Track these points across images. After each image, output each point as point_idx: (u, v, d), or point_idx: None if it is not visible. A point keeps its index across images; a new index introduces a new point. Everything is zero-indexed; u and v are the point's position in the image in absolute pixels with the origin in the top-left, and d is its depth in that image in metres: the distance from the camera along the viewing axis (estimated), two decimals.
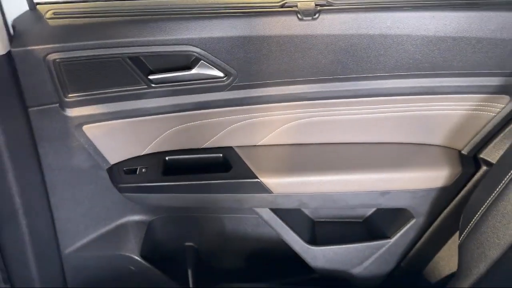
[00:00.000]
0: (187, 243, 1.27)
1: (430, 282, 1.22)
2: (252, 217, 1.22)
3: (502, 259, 0.84)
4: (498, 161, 0.90)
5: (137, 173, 1.04)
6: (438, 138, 1.06)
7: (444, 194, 1.06)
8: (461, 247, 0.94)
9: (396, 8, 0.86)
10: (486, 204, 0.88)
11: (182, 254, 1.27)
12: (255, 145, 1.08)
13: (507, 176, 0.83)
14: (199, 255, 1.28)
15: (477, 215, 0.90)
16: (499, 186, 0.85)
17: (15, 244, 1.07)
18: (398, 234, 1.13)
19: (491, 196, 0.87)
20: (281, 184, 1.02)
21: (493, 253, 0.85)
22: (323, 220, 1.23)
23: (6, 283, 1.14)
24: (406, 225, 1.12)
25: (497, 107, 0.98)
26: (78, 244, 1.17)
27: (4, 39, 0.82)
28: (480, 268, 0.89)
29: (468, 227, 0.92)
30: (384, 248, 1.15)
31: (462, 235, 0.94)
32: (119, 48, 0.87)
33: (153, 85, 0.93)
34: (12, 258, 1.09)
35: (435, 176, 1.03)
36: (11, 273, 1.12)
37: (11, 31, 0.85)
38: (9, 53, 0.83)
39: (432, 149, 1.07)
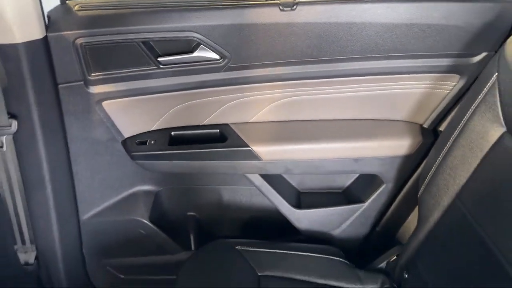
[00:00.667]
0: (189, 213, 1.43)
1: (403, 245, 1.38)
2: (246, 188, 1.38)
3: (451, 206, 1.00)
4: (445, 127, 1.07)
5: (147, 144, 1.21)
6: (402, 114, 1.23)
7: (408, 162, 1.22)
8: (420, 200, 1.10)
9: (359, 0, 1.04)
10: (437, 161, 1.05)
11: (184, 222, 1.43)
12: (247, 122, 1.25)
13: (452, 137, 1.01)
14: (199, 223, 1.43)
15: (431, 171, 1.07)
16: (446, 146, 1.02)
17: (41, 208, 1.23)
18: (371, 199, 1.29)
19: (441, 155, 1.04)
20: (269, 152, 1.19)
21: (445, 201, 1.01)
22: (307, 191, 1.39)
23: (32, 243, 1.30)
24: (378, 190, 1.28)
25: (450, 85, 1.15)
26: (95, 211, 1.33)
27: (42, 26, 1.00)
28: (434, 216, 1.05)
29: (425, 182, 1.08)
30: (359, 211, 1.31)
31: (420, 190, 1.10)
32: (134, 34, 1.04)
33: (161, 66, 1.10)
34: (38, 220, 1.25)
35: (399, 145, 1.20)
36: (36, 234, 1.28)
37: (46, 20, 1.03)
38: (45, 38, 1.01)
39: (397, 123, 1.23)
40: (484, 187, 0.93)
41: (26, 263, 1.31)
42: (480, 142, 0.95)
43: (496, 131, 0.91)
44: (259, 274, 1.10)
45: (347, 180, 1.38)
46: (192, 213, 1.42)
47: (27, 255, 1.30)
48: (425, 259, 1.05)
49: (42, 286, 1.41)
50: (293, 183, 1.38)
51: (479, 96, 0.96)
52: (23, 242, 1.27)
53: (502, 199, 0.86)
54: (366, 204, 1.30)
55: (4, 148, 1.07)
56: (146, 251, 1.39)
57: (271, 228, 1.40)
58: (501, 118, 0.91)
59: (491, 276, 0.82)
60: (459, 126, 1.00)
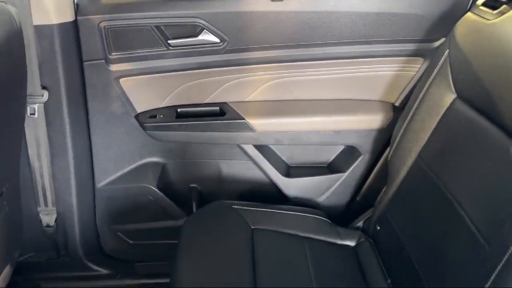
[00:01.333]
0: (191, 185, 1.59)
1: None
2: (242, 162, 1.54)
3: (414, 164, 1.17)
4: (409, 101, 1.24)
5: (157, 117, 1.39)
6: (376, 94, 1.40)
7: (382, 134, 1.40)
8: (389, 162, 1.28)
9: None
10: (402, 128, 1.23)
11: (187, 192, 1.59)
12: (243, 101, 1.43)
13: (413, 107, 1.19)
14: (201, 193, 1.59)
15: (397, 137, 1.24)
16: (409, 114, 1.20)
17: (63, 173, 1.40)
18: (350, 169, 1.46)
19: (405, 123, 1.22)
20: (262, 124, 1.37)
21: (409, 160, 1.19)
22: (295, 165, 1.56)
23: (53, 206, 1.45)
24: (356, 161, 1.45)
25: (416, 67, 1.33)
26: (109, 179, 1.49)
27: (72, 11, 1.19)
28: (401, 174, 1.22)
29: (393, 147, 1.26)
30: (340, 180, 1.48)
31: (390, 154, 1.28)
32: (148, 19, 1.23)
33: (170, 47, 1.29)
34: (59, 184, 1.41)
35: (373, 120, 1.38)
36: (57, 198, 1.44)
37: (75, 6, 1.22)
38: (75, 21, 1.20)
39: (372, 102, 1.41)
40: (440, 145, 1.10)
41: (47, 225, 1.47)
42: (436, 108, 1.13)
43: (449, 97, 1.10)
44: (252, 227, 1.26)
45: (331, 155, 1.54)
46: (194, 185, 1.58)
47: (48, 217, 1.46)
48: (394, 212, 1.22)
49: (58, 251, 1.56)
50: (283, 158, 1.55)
51: (435, 70, 1.14)
52: (46, 204, 1.42)
53: (454, 153, 1.04)
54: (346, 173, 1.47)
55: (36, 115, 1.25)
56: (153, 216, 1.55)
57: (264, 197, 1.56)
58: (452, 86, 1.09)
59: (447, 219, 0.98)
60: (419, 97, 1.18)
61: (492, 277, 0.79)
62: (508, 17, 0.98)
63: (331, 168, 1.53)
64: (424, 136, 1.15)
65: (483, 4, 1.08)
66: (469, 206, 0.92)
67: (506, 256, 0.77)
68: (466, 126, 1.02)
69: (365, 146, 1.42)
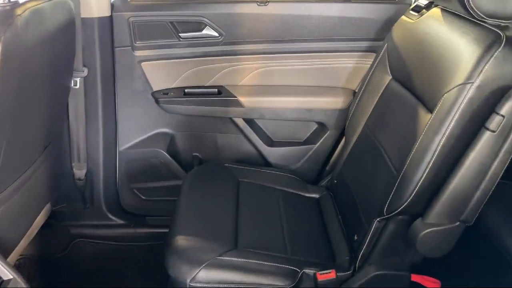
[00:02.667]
0: (193, 153, 1.92)
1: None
2: (234, 135, 1.85)
3: (362, 130, 1.48)
4: (359, 84, 1.57)
5: (168, 94, 1.73)
6: (340, 82, 1.73)
7: (345, 114, 1.72)
8: (345, 132, 1.60)
9: (305, 0, 1.58)
10: (354, 104, 1.56)
11: (190, 160, 1.91)
12: (236, 84, 1.77)
13: (362, 88, 1.52)
14: (201, 161, 1.92)
15: (351, 111, 1.57)
16: (360, 94, 1.53)
17: (94, 137, 1.74)
18: (320, 141, 1.78)
19: (356, 100, 1.55)
20: (250, 101, 1.71)
21: (359, 128, 1.50)
22: (277, 140, 1.88)
23: (84, 162, 1.79)
24: (324, 135, 1.78)
25: (370, 61, 1.66)
26: (129, 144, 1.83)
27: (109, 8, 1.55)
28: (353, 139, 1.53)
29: (348, 119, 1.58)
30: (312, 151, 1.80)
31: (346, 125, 1.60)
32: (164, 17, 1.59)
33: (181, 39, 1.64)
34: (91, 145, 1.75)
35: (338, 101, 1.71)
36: (88, 156, 1.78)
37: (111, 5, 1.59)
38: (111, 16, 1.56)
39: (337, 88, 1.74)
40: (379, 114, 1.43)
41: (79, 179, 1.81)
42: (378, 88, 1.46)
43: (386, 79, 1.43)
44: (239, 179, 1.59)
45: (306, 133, 1.86)
46: (196, 153, 1.90)
47: (79, 172, 1.80)
48: (346, 168, 1.54)
49: (85, 203, 1.88)
50: (268, 134, 1.87)
51: (377, 60, 1.48)
52: (79, 160, 1.77)
53: (386, 117, 1.36)
54: (316, 145, 1.79)
55: (77, 86, 1.60)
56: (162, 177, 1.88)
57: (251, 164, 1.88)
58: (389, 71, 1.43)
59: (376, 162, 1.29)
60: (366, 80, 1.52)
61: (392, 192, 1.11)
62: (424, 18, 1.32)
63: (306, 142, 1.85)
64: (369, 109, 1.48)
65: (412, 9, 1.42)
66: (389, 149, 1.25)
67: (401, 174, 1.10)
68: (396, 98, 1.35)
69: (331, 123, 1.75)
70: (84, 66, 1.59)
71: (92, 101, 1.67)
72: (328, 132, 1.77)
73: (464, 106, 0.96)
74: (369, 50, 1.65)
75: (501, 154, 0.95)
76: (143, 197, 1.93)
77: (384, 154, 1.27)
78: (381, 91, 1.44)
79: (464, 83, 0.97)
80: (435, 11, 1.29)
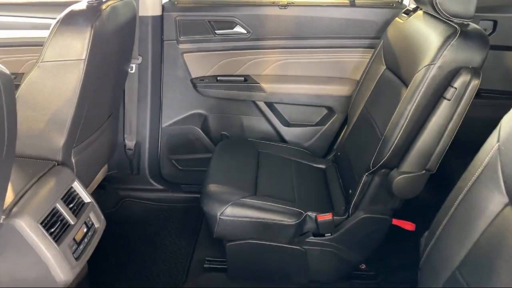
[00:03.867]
0: (222, 132, 2.26)
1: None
2: (256, 117, 2.18)
3: (361, 112, 1.79)
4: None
5: (204, 81, 2.08)
6: (346, 73, 2.04)
7: (350, 100, 2.03)
8: (348, 114, 1.91)
9: (318, 5, 1.91)
10: (356, 90, 1.86)
11: (220, 137, 2.25)
12: (260, 74, 2.10)
13: (362, 78, 1.82)
14: (228, 138, 2.26)
15: (353, 97, 1.87)
16: (360, 82, 1.83)
17: (143, 113, 2.10)
18: (328, 123, 2.09)
19: (357, 87, 1.85)
20: (270, 87, 2.03)
21: (358, 110, 1.81)
22: (293, 122, 2.20)
23: (134, 134, 2.15)
24: (332, 118, 2.09)
25: (370, 55, 1.97)
26: (170, 121, 2.18)
27: (160, 8, 1.92)
28: (353, 121, 1.84)
29: (350, 102, 1.89)
30: (321, 131, 2.11)
31: (349, 108, 1.91)
32: (203, 16, 1.94)
33: (216, 35, 1.99)
34: (140, 121, 2.11)
35: (344, 89, 2.01)
36: (137, 130, 2.14)
37: (162, 6, 1.95)
38: (162, 15, 1.93)
39: (343, 79, 2.06)
40: (374, 98, 1.72)
41: (129, 149, 2.17)
42: (374, 76, 1.76)
43: (381, 69, 1.72)
44: (259, 150, 1.91)
45: (317, 117, 2.17)
46: (224, 132, 2.24)
47: (130, 143, 2.16)
48: (347, 142, 1.83)
49: (132, 170, 2.24)
50: (286, 117, 2.19)
51: (375, 53, 1.79)
52: (130, 132, 2.13)
53: (379, 98, 1.66)
54: (325, 126, 2.10)
55: (133, 71, 1.97)
56: (196, 150, 2.22)
57: (270, 141, 2.20)
58: (384, 62, 1.73)
59: (369, 133, 1.56)
60: (365, 71, 1.82)
61: (376, 151, 1.42)
62: (411, 18, 1.62)
63: (316, 124, 2.16)
64: (367, 94, 1.78)
65: (403, 12, 1.72)
66: (379, 121, 1.55)
67: (383, 136, 1.40)
68: (388, 83, 1.65)
69: (338, 108, 2.06)
70: (139, 55, 1.96)
71: (143, 85, 2.03)
72: (336, 116, 2.08)
73: (429, 81, 1.27)
74: (370, 46, 1.95)
75: (455, 117, 1.24)
76: (180, 167, 2.27)
77: (375, 126, 1.57)
78: (377, 78, 1.74)
79: (429, 64, 1.27)
80: (419, 13, 1.59)
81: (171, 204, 2.22)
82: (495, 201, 0.81)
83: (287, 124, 2.16)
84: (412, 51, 1.44)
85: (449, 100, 1.24)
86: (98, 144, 1.71)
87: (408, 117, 1.31)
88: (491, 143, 0.85)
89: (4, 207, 1.10)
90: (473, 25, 1.32)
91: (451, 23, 1.32)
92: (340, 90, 2.03)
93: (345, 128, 1.99)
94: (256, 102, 2.11)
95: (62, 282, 1.16)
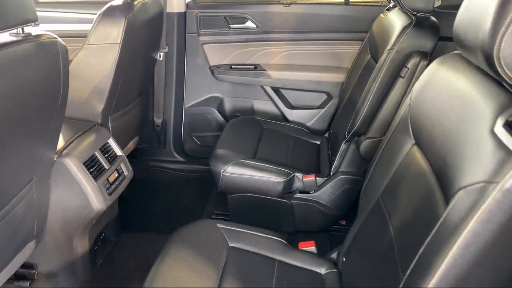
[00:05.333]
0: (236, 113, 2.58)
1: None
2: (263, 101, 2.49)
3: (350, 93, 2.08)
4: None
5: (220, 68, 2.42)
6: (340, 62, 2.32)
7: (343, 85, 2.31)
8: (340, 94, 2.19)
9: (317, 3, 2.20)
10: (347, 76, 2.15)
11: (233, 117, 2.58)
12: (268, 63, 2.42)
13: (351, 65, 2.11)
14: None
15: (345, 82, 2.16)
16: (350, 69, 2.12)
17: (169, 94, 2.45)
18: (326, 106, 2.38)
19: (348, 73, 2.14)
20: (276, 74, 2.35)
21: (348, 91, 2.10)
22: (296, 106, 2.50)
23: (161, 112, 2.52)
24: (330, 102, 2.38)
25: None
26: (192, 103, 2.53)
27: (184, 6, 2.27)
28: (345, 99, 2.13)
29: (343, 86, 2.18)
30: (320, 113, 2.40)
31: (341, 90, 2.19)
32: (220, 13, 2.28)
33: (230, 29, 2.33)
34: (167, 100, 2.47)
35: (339, 76, 2.30)
36: (164, 108, 2.50)
37: (186, 4, 2.30)
38: (185, 12, 2.28)
39: (338, 68, 2.34)
40: (359, 81, 2.00)
41: (157, 125, 2.54)
42: (361, 64, 2.03)
43: (367, 57, 2.00)
44: (264, 127, 2.22)
45: (318, 101, 2.46)
46: (237, 114, 2.57)
47: (158, 120, 2.52)
48: (336, 120, 2.12)
49: (159, 144, 2.60)
50: (290, 101, 2.49)
51: (362, 44, 2.07)
52: (158, 111, 2.49)
53: (361, 82, 1.94)
54: (324, 109, 2.39)
55: (161, 59, 2.33)
56: (213, 129, 2.56)
57: (276, 120, 2.50)
58: (369, 52, 2.00)
59: (352, 111, 1.87)
60: (354, 60, 2.10)
61: (350, 122, 1.70)
62: (389, 14, 1.89)
63: (316, 108, 2.46)
64: (354, 79, 2.05)
65: (386, 9, 1.99)
66: (357, 98, 1.83)
67: (355, 109, 1.69)
68: (369, 69, 1.91)
69: (335, 93, 2.34)
70: (166, 45, 2.32)
71: (169, 70, 2.39)
72: (333, 100, 2.37)
73: (388, 63, 1.54)
74: (360, 39, 2.22)
75: (407, 92, 1.51)
76: (199, 143, 2.62)
77: (355, 102, 1.85)
78: (363, 66, 2.01)
79: (390, 49, 1.55)
80: (395, 10, 1.86)
81: (190, 174, 2.56)
82: (407, 143, 1.05)
83: (291, 107, 2.46)
84: (384, 40, 1.72)
85: (403, 78, 1.51)
86: (130, 116, 2.07)
87: (373, 92, 1.59)
88: (407, 102, 1.09)
89: (57, 150, 1.47)
90: (431, 18, 1.59)
91: (412, 16, 1.59)
92: (336, 77, 2.31)
93: (337, 109, 2.28)
94: (264, 87, 2.43)
95: (97, 210, 1.52)
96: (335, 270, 1.30)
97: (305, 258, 1.34)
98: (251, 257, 1.31)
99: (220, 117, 2.53)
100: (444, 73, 0.98)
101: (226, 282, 1.18)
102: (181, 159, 2.61)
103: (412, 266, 0.80)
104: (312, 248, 1.39)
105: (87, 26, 1.73)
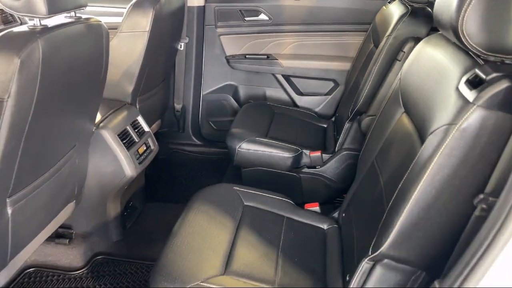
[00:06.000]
0: (249, 100, 2.78)
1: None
2: (276, 88, 2.68)
3: (355, 79, 2.26)
4: None
5: (236, 57, 2.61)
6: (345, 52, 2.49)
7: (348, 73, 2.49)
8: (346, 81, 2.37)
9: None
10: (351, 64, 2.33)
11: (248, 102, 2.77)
12: (280, 53, 2.61)
13: (356, 54, 2.29)
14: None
15: (351, 68, 2.34)
16: (354, 58, 2.30)
17: (188, 82, 2.66)
18: (333, 93, 2.57)
19: (353, 61, 2.32)
20: (286, 63, 2.53)
21: (353, 77, 2.28)
22: (305, 93, 2.68)
23: (181, 99, 2.73)
24: (336, 88, 2.56)
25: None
26: (209, 90, 2.73)
27: (204, 0, 2.47)
28: (349, 85, 2.31)
29: (348, 72, 2.36)
30: (327, 99, 2.58)
31: (346, 78, 2.37)
32: (235, 7, 2.48)
33: (245, 21, 2.52)
34: (186, 87, 2.68)
35: (345, 65, 2.48)
36: (184, 95, 2.70)
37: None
38: (204, 5, 2.48)
39: (345, 57, 2.51)
40: (362, 67, 2.18)
41: (177, 110, 2.74)
42: (364, 53, 2.21)
43: (370, 46, 2.18)
44: (275, 112, 2.41)
45: (326, 89, 2.64)
46: (251, 100, 2.76)
47: (178, 106, 2.73)
48: (341, 106, 2.30)
49: (179, 128, 2.81)
50: (299, 88, 2.68)
51: (366, 35, 2.24)
52: (178, 97, 2.70)
53: (364, 68, 2.12)
54: (331, 95, 2.57)
55: (182, 48, 2.53)
56: (228, 114, 2.76)
57: (286, 105, 2.68)
58: (372, 40, 2.18)
59: (355, 92, 2.05)
60: (360, 48, 2.28)
61: (353, 102, 1.89)
62: (390, 6, 2.06)
63: (324, 94, 2.64)
64: (358, 67, 2.23)
65: (388, 2, 2.17)
66: (360, 81, 2.01)
67: (357, 92, 1.87)
68: (372, 57, 2.10)
69: (340, 80, 2.52)
70: (187, 36, 2.52)
71: (189, 59, 2.59)
72: (339, 87, 2.55)
73: (387, 48, 1.72)
74: (364, 30, 2.40)
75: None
76: (215, 127, 2.82)
77: (358, 86, 2.03)
78: (366, 54, 2.19)
79: (388, 35, 1.73)
80: (396, 2, 2.03)
81: (207, 156, 2.77)
82: (397, 112, 1.23)
83: (300, 93, 2.65)
84: (384, 28, 1.90)
85: (399, 61, 1.69)
86: (154, 99, 2.28)
87: (373, 75, 1.77)
88: (398, 77, 1.27)
89: (95, 123, 1.68)
90: (427, 9, 1.76)
91: (409, 6, 1.77)
92: (342, 65, 2.49)
93: (343, 95, 2.46)
94: (276, 75, 2.62)
95: (129, 176, 1.73)
96: (335, 225, 1.49)
97: (310, 216, 1.53)
98: (263, 214, 1.50)
99: (235, 103, 2.73)
100: (427, 50, 1.16)
101: (242, 232, 1.37)
102: (198, 142, 2.81)
103: (392, 200, 0.98)
104: (317, 208, 1.58)
105: (113, 19, 1.94)
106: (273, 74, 2.62)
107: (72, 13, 1.26)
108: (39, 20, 1.11)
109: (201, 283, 1.12)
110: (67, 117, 1.36)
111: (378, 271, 1.04)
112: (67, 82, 1.25)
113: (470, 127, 0.82)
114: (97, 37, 1.34)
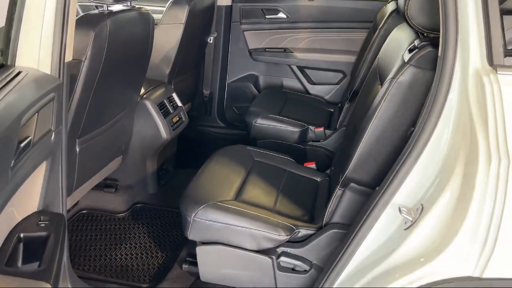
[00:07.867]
0: (262, 91, 3.14)
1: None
2: (291, 79, 3.04)
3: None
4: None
5: (257, 50, 3.00)
6: (352, 46, 2.83)
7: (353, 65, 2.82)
8: (351, 72, 2.72)
9: None
10: (355, 57, 2.67)
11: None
12: (296, 47, 2.97)
13: (368, 45, 2.63)
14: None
15: (355, 60, 2.68)
16: (358, 52, 2.65)
17: (216, 71, 3.06)
18: (341, 83, 2.91)
19: (357, 54, 2.66)
20: (301, 55, 2.90)
21: (361, 71, 2.62)
22: (317, 82, 3.03)
23: (208, 86, 3.13)
24: (344, 79, 2.90)
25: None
26: (233, 79, 3.11)
27: (231, 0, 2.88)
28: (359, 76, 2.65)
29: (353, 65, 2.70)
30: (335, 89, 2.92)
31: (352, 68, 2.72)
32: (258, 6, 2.87)
33: (266, 19, 2.90)
34: (213, 77, 3.08)
35: (351, 58, 2.82)
36: (211, 84, 3.11)
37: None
38: (231, 5, 2.89)
39: (350, 51, 2.85)
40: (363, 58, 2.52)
41: (205, 96, 3.14)
42: (367, 46, 2.55)
43: (371, 39, 2.52)
44: (288, 97, 2.77)
45: (335, 79, 2.99)
46: (264, 91, 3.13)
47: (206, 92, 3.12)
48: (346, 93, 2.64)
49: (206, 112, 3.21)
50: (311, 78, 3.03)
51: (369, 31, 2.58)
52: (206, 84, 3.10)
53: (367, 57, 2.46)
54: (339, 85, 2.91)
55: (211, 42, 2.94)
56: (250, 100, 3.12)
57: (300, 93, 3.03)
58: (372, 32, 2.52)
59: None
60: (363, 43, 2.62)
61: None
62: (388, 4, 2.40)
63: (333, 84, 2.98)
64: (362, 57, 2.58)
65: (388, 2, 2.50)
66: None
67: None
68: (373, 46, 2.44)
69: (347, 71, 2.86)
70: (215, 31, 2.93)
71: (217, 52, 2.99)
72: (346, 77, 2.89)
73: (378, 39, 2.06)
74: (367, 27, 2.73)
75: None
76: (237, 112, 3.20)
77: (360, 74, 2.37)
78: (374, 47, 2.52)
79: (379, 28, 2.07)
80: (392, 2, 2.37)
81: (229, 137, 3.15)
82: (375, 84, 1.60)
83: (312, 83, 3.01)
84: (380, 24, 2.24)
85: None
86: (187, 82, 2.70)
87: (366, 64, 2.12)
88: (377, 58, 1.66)
89: (140, 94, 2.10)
90: None
91: (396, 5, 2.10)
92: (349, 58, 2.83)
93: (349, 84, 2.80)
94: (291, 66, 2.99)
95: (165, 138, 2.13)
96: (327, 178, 1.84)
97: (307, 170, 1.89)
98: (269, 167, 1.87)
99: (255, 91, 3.11)
100: (395, 33, 1.51)
101: (251, 177, 1.75)
102: (222, 125, 3.19)
103: (355, 137, 1.34)
104: (313, 166, 1.93)
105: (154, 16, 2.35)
106: (289, 66, 2.99)
107: (128, 3, 1.67)
108: (107, 6, 1.52)
109: (217, 203, 1.50)
110: (120, 85, 1.78)
111: (347, 195, 1.42)
112: (123, 56, 1.67)
113: (404, 80, 1.16)
114: (146, 23, 1.75)
